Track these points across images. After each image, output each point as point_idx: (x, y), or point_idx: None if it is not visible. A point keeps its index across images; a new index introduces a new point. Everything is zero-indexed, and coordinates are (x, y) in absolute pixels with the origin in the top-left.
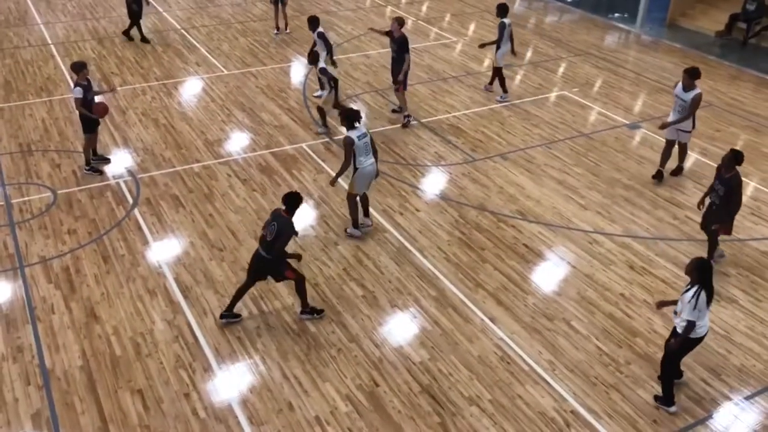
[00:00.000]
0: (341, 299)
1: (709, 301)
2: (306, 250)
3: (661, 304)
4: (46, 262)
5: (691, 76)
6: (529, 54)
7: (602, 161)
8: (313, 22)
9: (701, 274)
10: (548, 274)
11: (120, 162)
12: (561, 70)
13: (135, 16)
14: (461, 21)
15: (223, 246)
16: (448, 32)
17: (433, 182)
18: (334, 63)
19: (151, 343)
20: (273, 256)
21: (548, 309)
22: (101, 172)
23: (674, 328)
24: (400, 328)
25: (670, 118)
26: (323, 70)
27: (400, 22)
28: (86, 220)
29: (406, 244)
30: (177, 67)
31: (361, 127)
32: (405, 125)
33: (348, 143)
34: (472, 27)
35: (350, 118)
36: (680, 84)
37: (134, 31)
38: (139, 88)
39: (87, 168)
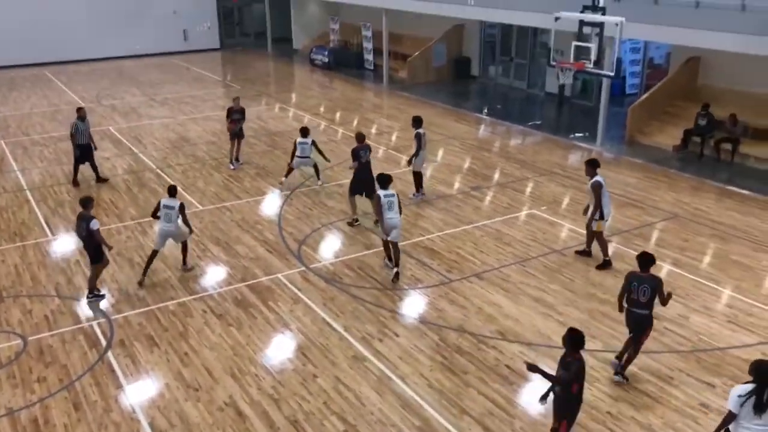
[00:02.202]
0: None
1: (757, 404)
2: (284, 386)
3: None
4: (13, 414)
5: (590, 165)
6: (496, 176)
7: (576, 276)
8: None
9: (755, 374)
10: (534, 395)
11: (94, 304)
12: (528, 189)
13: (88, 159)
14: (429, 148)
15: (198, 385)
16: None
17: (412, 306)
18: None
19: None
20: (650, 311)
21: None
22: (103, 296)
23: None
24: None
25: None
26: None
27: (358, 137)
28: (57, 366)
29: (387, 372)
30: (152, 205)
31: (390, 189)
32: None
33: (376, 199)
34: (440, 153)
35: (382, 181)
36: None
37: (81, 170)
38: (114, 228)
39: (90, 295)
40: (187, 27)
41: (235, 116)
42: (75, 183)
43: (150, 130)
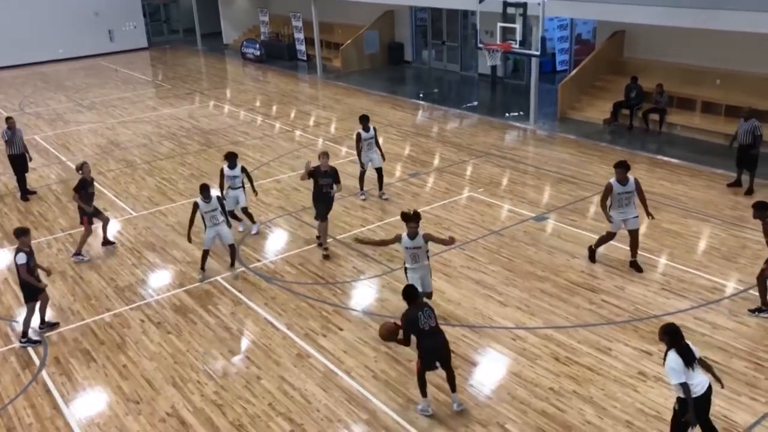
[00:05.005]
0: None
1: (686, 360)
2: (227, 390)
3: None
4: None
5: (626, 169)
6: (435, 161)
7: (515, 256)
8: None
9: (668, 336)
10: (478, 378)
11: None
12: (466, 172)
13: (19, 172)
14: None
15: (139, 398)
16: (355, 150)
17: (354, 298)
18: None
19: None
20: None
21: (481, 415)
22: (39, 342)
23: (677, 400)
24: None
25: (616, 215)
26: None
27: (327, 155)
28: None
29: (332, 367)
30: None
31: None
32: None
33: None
34: (379, 141)
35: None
36: (615, 182)
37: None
38: (44, 241)
39: (23, 340)
40: (112, 27)
41: (89, 189)
42: (24, 197)
43: (78, 137)
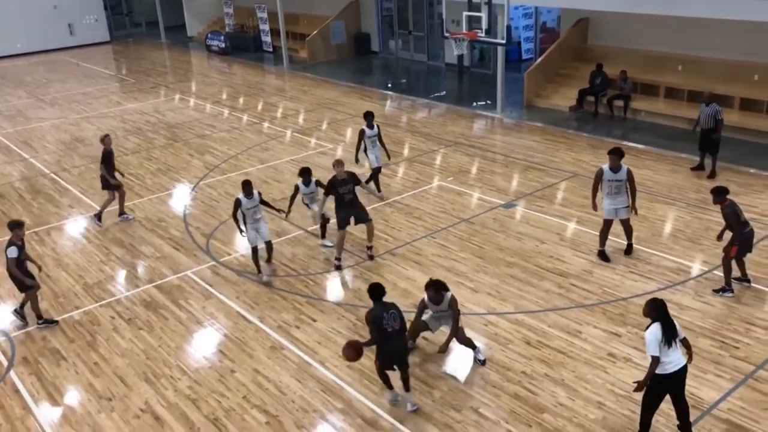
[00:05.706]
0: (244, 431)
1: (666, 337)
2: (201, 384)
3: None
4: None
5: (620, 156)
6: (404, 151)
7: (485, 243)
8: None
9: (656, 311)
10: (451, 364)
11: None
12: (435, 162)
13: None
14: (336, 128)
15: (111, 395)
16: (325, 141)
17: (327, 289)
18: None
19: None
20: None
21: (455, 400)
22: (56, 322)
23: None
24: None
25: (608, 203)
26: None
27: (342, 162)
28: None
29: (306, 357)
30: (48, 212)
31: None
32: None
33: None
34: (348, 132)
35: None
36: (606, 169)
37: None
38: (6, 241)
39: (40, 322)
40: (72, 21)
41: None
42: None
43: (41, 133)
